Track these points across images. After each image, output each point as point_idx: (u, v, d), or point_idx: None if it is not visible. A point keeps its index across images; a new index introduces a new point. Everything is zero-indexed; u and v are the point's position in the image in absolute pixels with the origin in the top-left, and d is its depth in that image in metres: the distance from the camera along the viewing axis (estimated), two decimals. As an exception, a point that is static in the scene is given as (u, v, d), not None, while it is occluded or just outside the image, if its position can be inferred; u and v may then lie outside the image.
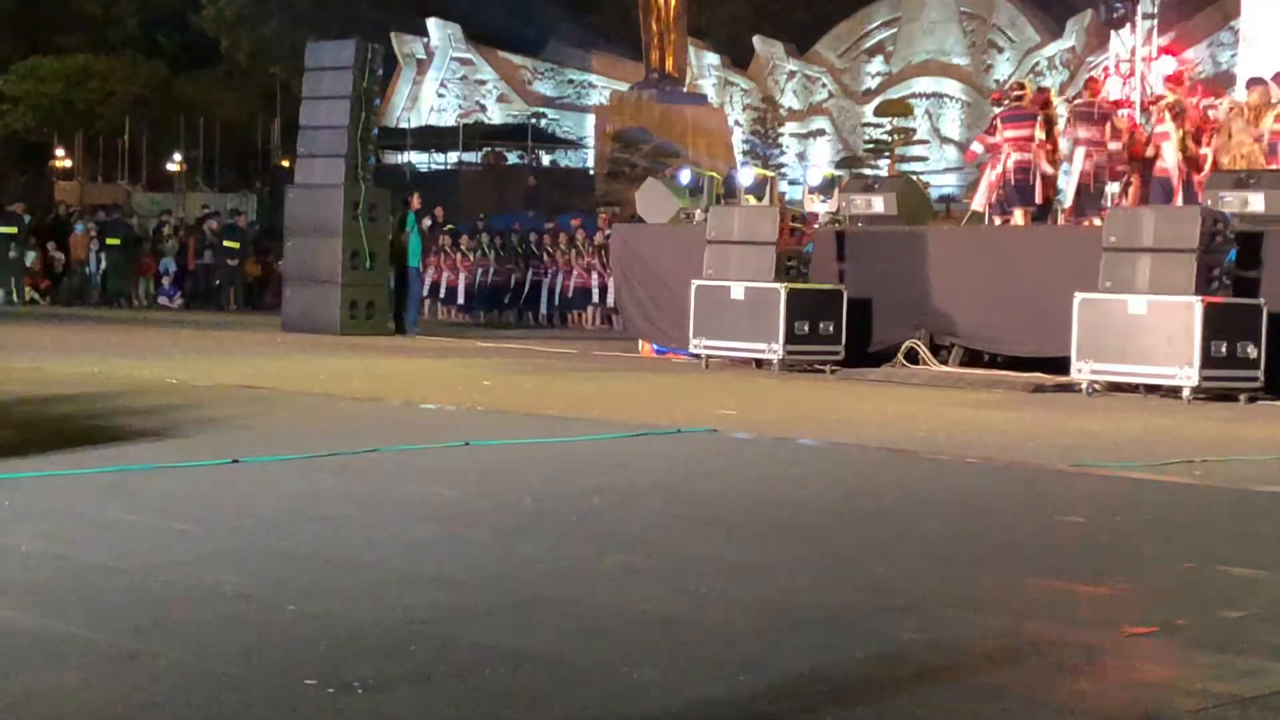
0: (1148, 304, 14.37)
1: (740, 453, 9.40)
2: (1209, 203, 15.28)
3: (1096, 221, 17.37)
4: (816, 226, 18.06)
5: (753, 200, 19.17)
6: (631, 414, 11.28)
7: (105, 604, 4.91)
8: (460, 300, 29.71)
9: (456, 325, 27.56)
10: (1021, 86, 18.50)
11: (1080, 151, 17.53)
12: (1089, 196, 17.63)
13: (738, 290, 17.02)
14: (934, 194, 32.59)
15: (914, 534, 6.62)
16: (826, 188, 18.93)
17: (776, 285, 16.72)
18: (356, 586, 5.25)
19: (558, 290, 28.44)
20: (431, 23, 57.32)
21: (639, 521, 6.70)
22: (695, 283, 17.24)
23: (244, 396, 11.74)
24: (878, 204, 18.27)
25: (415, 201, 23.41)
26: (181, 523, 6.31)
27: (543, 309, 28.70)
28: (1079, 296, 14.66)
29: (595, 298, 27.74)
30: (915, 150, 50.37)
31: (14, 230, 31.29)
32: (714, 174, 20.52)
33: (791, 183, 50.36)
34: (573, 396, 13.18)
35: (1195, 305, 14.02)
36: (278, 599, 5.00)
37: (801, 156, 54.40)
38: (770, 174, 20.99)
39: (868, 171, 49.38)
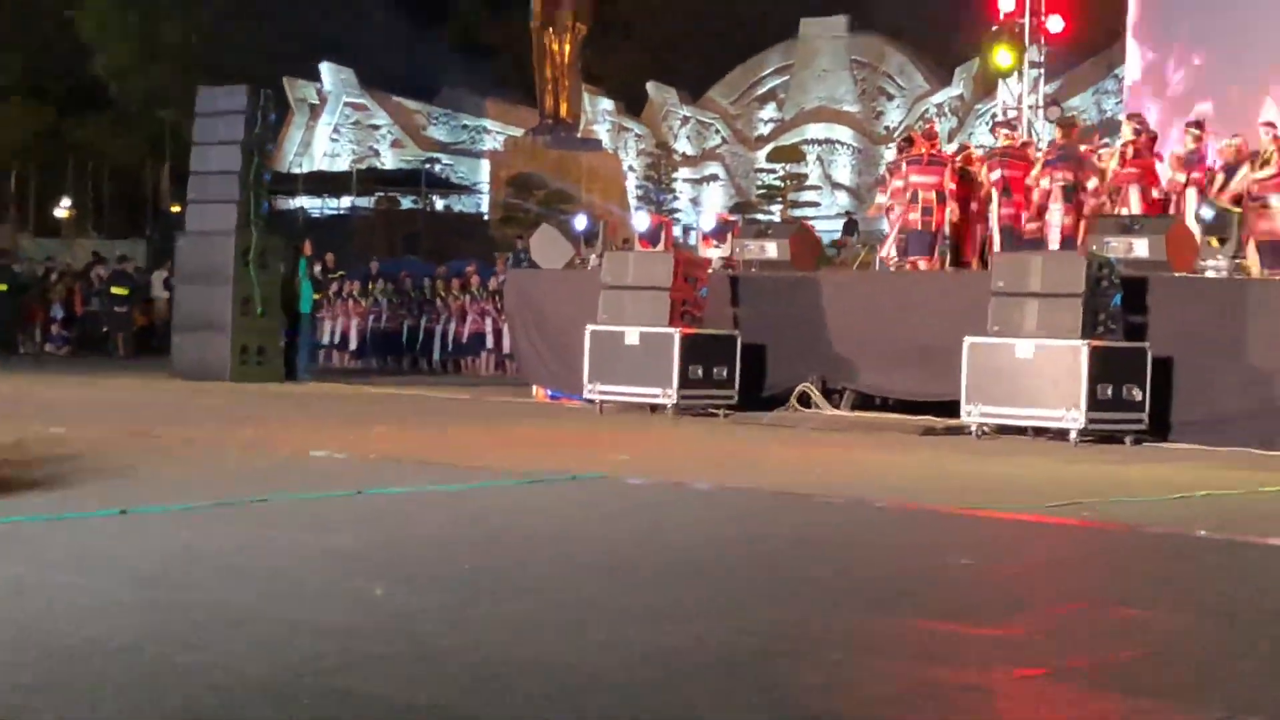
0: (1035, 347, 14.57)
1: (634, 498, 9.39)
2: (1094, 248, 15.54)
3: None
4: (710, 271, 18.12)
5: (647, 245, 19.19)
6: (526, 460, 11.25)
7: (-12, 659, 4.81)
8: (353, 347, 29.50)
9: (349, 372, 27.37)
10: (910, 140, 18.72)
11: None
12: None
13: (632, 335, 17.05)
14: (825, 239, 32.86)
15: (808, 578, 6.65)
16: (720, 232, 18.99)
17: (671, 330, 16.77)
18: (247, 638, 5.18)
19: (451, 336, 28.32)
20: (325, 67, 57.11)
21: (534, 570, 6.68)
22: (590, 328, 17.26)
23: (132, 446, 11.56)
24: (770, 249, 18.41)
25: (307, 248, 23.25)
26: (68, 575, 6.20)
27: (436, 355, 28.56)
28: (968, 340, 14.84)
29: (489, 343, 27.65)
30: (807, 195, 50.82)
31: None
32: (608, 219, 20.57)
33: (686, 228, 50.63)
34: (466, 443, 13.13)
35: (1082, 349, 14.23)
36: (167, 652, 4.93)
37: (695, 201, 54.72)
38: (665, 218, 21.01)
39: (761, 217, 49.79)
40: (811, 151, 52.74)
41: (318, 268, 24.35)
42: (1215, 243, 15.59)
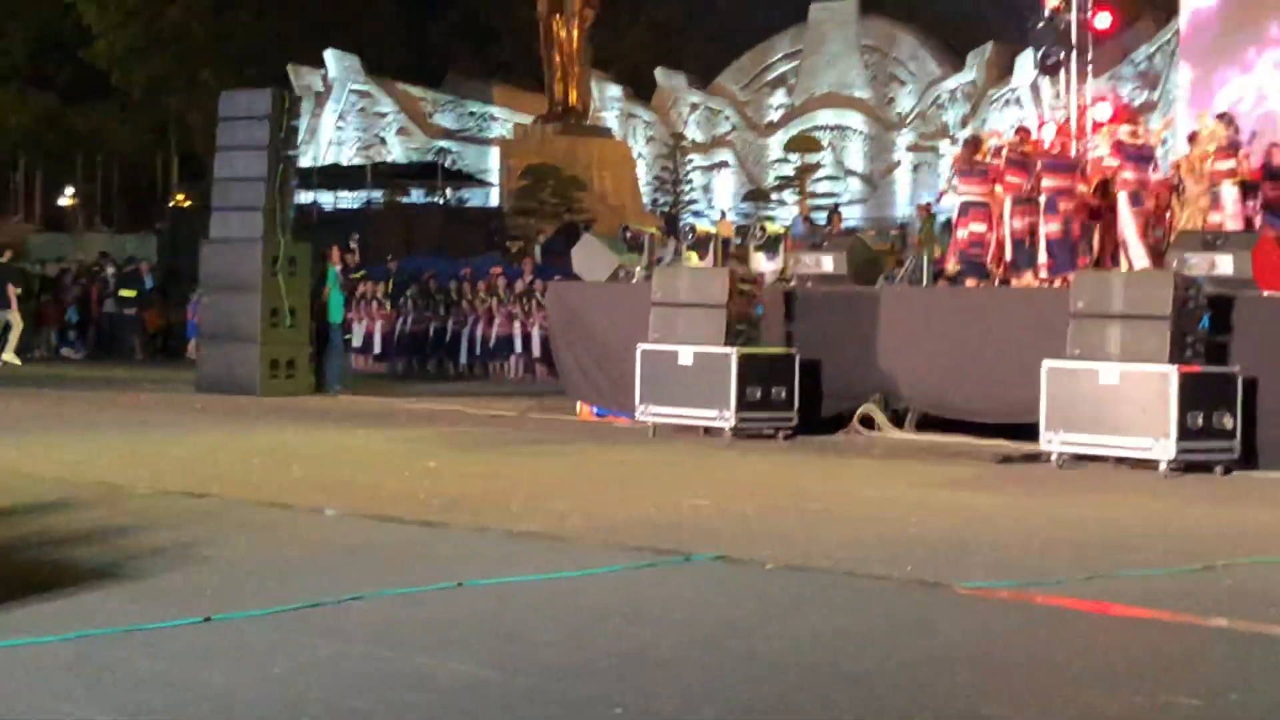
0: (1120, 373, 13.82)
1: (763, 591, 8.12)
2: (1175, 265, 14.81)
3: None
4: (764, 287, 17.38)
5: (694, 258, 18.45)
6: (607, 511, 10.55)
7: None
8: (378, 350, 28.75)
9: (374, 377, 26.62)
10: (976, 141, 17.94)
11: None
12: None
13: (686, 355, 16.33)
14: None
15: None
16: (772, 244, 18.26)
17: (727, 350, 16.04)
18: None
19: (478, 339, 27.57)
20: (330, 54, 56.26)
21: (678, 693, 5.91)
22: (641, 347, 16.53)
23: (191, 510, 10.58)
24: (827, 263, 17.67)
25: (335, 257, 22.48)
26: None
27: (463, 358, 27.83)
28: (1047, 364, 14.11)
29: (518, 347, 26.92)
30: (823, 185, 50.09)
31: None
32: (655, 230, 19.81)
33: (695, 214, 49.93)
34: (533, 483, 12.36)
35: (1171, 374, 13.50)
36: None
37: (706, 189, 54.03)
38: (715, 232, 20.12)
39: (772, 207, 49.14)
40: (824, 138, 52.00)
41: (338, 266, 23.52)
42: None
